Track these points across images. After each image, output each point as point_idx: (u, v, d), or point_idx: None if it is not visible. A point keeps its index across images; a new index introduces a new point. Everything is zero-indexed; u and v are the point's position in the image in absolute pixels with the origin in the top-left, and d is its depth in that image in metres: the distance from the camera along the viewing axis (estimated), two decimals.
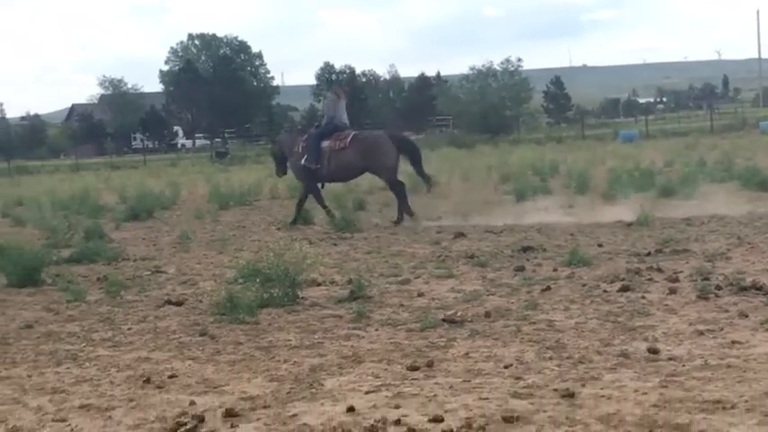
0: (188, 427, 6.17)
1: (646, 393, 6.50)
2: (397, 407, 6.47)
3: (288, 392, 7.02)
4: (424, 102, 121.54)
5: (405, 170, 21.16)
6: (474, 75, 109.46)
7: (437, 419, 6.10)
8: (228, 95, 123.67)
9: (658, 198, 20.27)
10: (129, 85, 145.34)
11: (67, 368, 8.25)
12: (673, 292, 10.12)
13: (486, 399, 6.57)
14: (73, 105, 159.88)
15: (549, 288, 10.74)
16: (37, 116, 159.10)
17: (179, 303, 11.09)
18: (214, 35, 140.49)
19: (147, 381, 7.55)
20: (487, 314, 9.47)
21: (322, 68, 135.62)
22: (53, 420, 6.64)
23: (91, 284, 13.03)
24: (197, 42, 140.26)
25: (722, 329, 8.34)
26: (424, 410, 6.35)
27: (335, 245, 16.25)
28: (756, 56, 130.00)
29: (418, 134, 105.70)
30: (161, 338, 9.28)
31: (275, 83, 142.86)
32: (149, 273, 13.95)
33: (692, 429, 5.73)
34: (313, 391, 7.03)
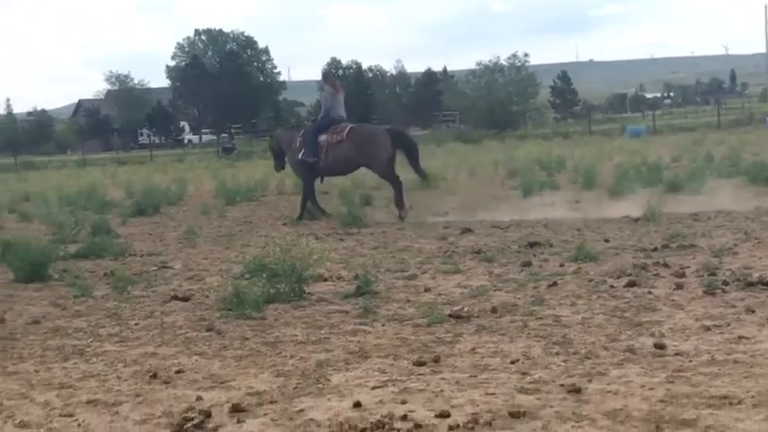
0: (195, 422, 6.18)
1: (652, 389, 6.49)
2: (404, 402, 6.47)
3: (294, 388, 7.02)
4: (430, 97, 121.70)
5: (403, 168, 21.11)
6: (481, 70, 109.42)
7: (443, 415, 6.09)
8: (235, 91, 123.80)
9: (665, 193, 20.24)
10: (136, 81, 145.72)
11: (75, 363, 8.26)
12: (679, 287, 10.11)
13: (493, 394, 6.57)
14: (79, 101, 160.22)
15: (555, 283, 10.74)
16: (44, 112, 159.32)
17: (186, 299, 11.10)
18: (221, 30, 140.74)
19: (154, 376, 7.56)
20: (494, 309, 9.46)
21: (328, 63, 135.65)
22: (60, 415, 6.65)
23: (98, 280, 13.04)
24: (203, 38, 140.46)
25: (729, 325, 8.32)
26: (431, 406, 6.35)
27: (342, 240, 16.25)
28: (764, 51, 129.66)
29: (424, 129, 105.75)
30: (168, 334, 9.29)
31: (282, 78, 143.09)
32: (156, 268, 13.96)
33: (699, 425, 5.72)
34: (319, 386, 7.03)
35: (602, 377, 6.87)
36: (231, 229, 19.42)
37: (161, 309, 10.63)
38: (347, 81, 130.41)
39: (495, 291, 10.62)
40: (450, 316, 9.20)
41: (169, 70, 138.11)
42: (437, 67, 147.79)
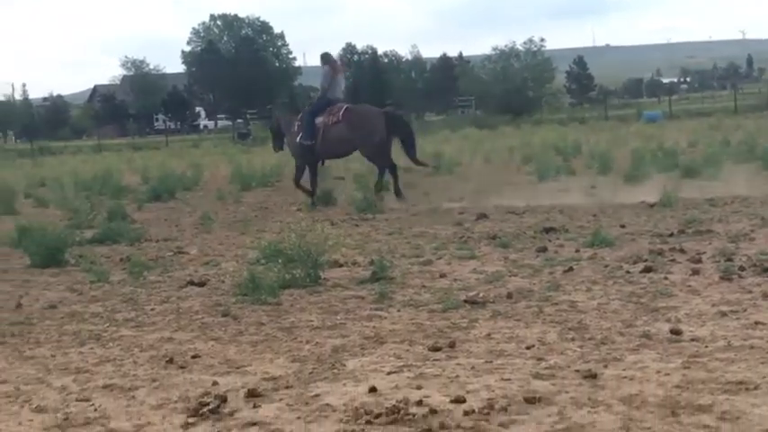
0: (211, 407, 6.19)
1: (668, 374, 6.48)
2: (419, 387, 6.47)
3: (310, 373, 7.03)
4: (446, 82, 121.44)
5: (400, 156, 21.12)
6: (496, 55, 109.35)
7: (459, 400, 6.09)
8: (250, 76, 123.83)
9: (681, 179, 20.19)
10: (152, 66, 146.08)
11: (91, 348, 8.29)
12: (696, 272, 10.09)
13: (508, 380, 6.56)
14: (95, 86, 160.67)
15: (571, 269, 10.72)
16: (60, 97, 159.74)
17: (201, 284, 11.12)
18: (236, 16, 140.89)
19: (170, 361, 7.57)
20: (509, 295, 9.46)
21: (344, 49, 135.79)
22: (77, 400, 6.66)
23: (114, 265, 13.07)
24: (219, 23, 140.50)
25: (745, 310, 8.30)
26: (446, 391, 6.35)
27: (357, 226, 16.25)
28: None
29: (440, 115, 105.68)
30: (184, 319, 9.31)
31: (297, 63, 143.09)
32: (172, 253, 13.98)
33: (715, 410, 5.71)
34: (335, 371, 7.04)
35: (617, 363, 6.86)
36: (247, 214, 19.44)
37: (177, 294, 10.65)
38: (363, 67, 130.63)
39: (510, 276, 10.61)
40: (465, 301, 9.20)
41: (185, 56, 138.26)
42: (453, 53, 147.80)
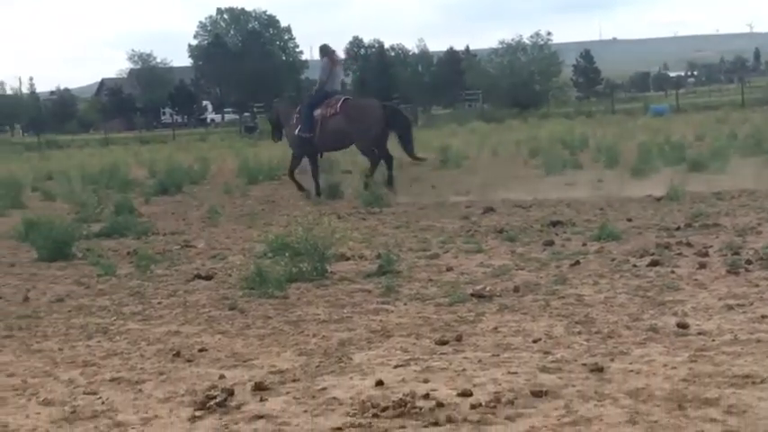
0: (218, 400, 6.20)
1: (675, 368, 6.48)
2: (426, 381, 6.48)
3: (317, 366, 7.03)
4: (452, 76, 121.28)
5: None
6: (503, 49, 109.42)
7: (466, 393, 6.10)
8: (257, 70, 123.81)
9: (688, 172, 20.17)
10: (159, 60, 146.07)
11: (98, 341, 8.30)
12: (702, 266, 10.08)
13: (515, 373, 6.57)
14: (102, 80, 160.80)
15: (578, 263, 10.72)
16: (67, 90, 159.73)
17: (208, 278, 11.13)
18: (243, 9, 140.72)
19: (177, 354, 7.58)
20: (516, 289, 9.46)
21: (351, 42, 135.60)
22: (84, 393, 6.68)
23: (121, 258, 13.10)
24: (226, 16, 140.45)
25: (752, 304, 8.30)
26: (453, 384, 6.36)
27: (364, 219, 16.26)
28: None
29: (447, 109, 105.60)
30: (191, 312, 9.32)
31: (304, 57, 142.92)
32: (179, 247, 14.00)
33: (722, 404, 5.71)
34: (342, 365, 7.05)
35: (624, 356, 6.86)
36: (254, 208, 19.46)
37: (184, 287, 10.67)
38: (370, 60, 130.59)
39: (517, 270, 10.61)
40: (472, 295, 9.20)
41: (191, 49, 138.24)
42: (459, 46, 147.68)
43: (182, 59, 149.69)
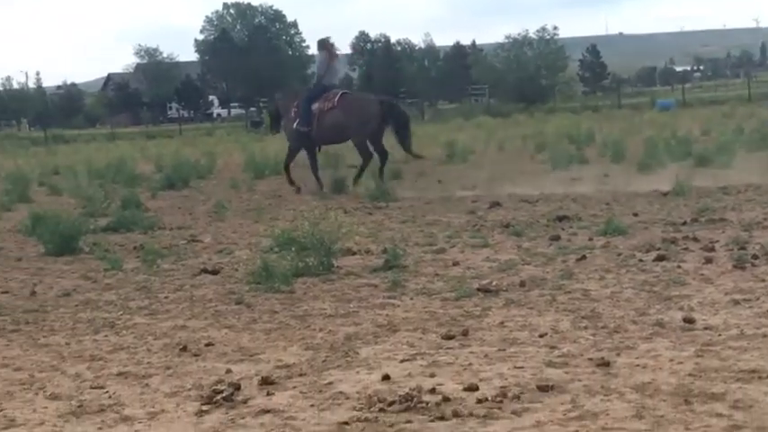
0: (224, 394, 6.21)
1: (681, 363, 6.48)
2: (432, 375, 6.49)
3: (323, 361, 7.04)
4: (459, 71, 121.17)
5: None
6: (509, 43, 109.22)
7: (472, 388, 6.10)
8: (263, 65, 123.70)
9: (695, 167, 20.14)
10: (165, 55, 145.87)
11: (105, 336, 8.32)
12: (709, 261, 10.08)
13: (521, 368, 6.57)
14: (109, 74, 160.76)
15: (584, 257, 10.72)
16: (73, 85, 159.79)
17: (215, 272, 11.14)
18: (249, 4, 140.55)
19: (184, 349, 7.60)
20: (522, 283, 9.46)
21: (357, 37, 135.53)
22: (91, 387, 6.69)
23: (127, 253, 13.11)
24: (232, 11, 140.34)
25: (758, 299, 8.29)
26: (459, 379, 6.36)
27: (370, 214, 16.27)
28: None
29: (453, 103, 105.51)
30: (197, 307, 9.33)
31: (310, 52, 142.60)
32: (185, 241, 14.01)
33: (728, 399, 5.72)
34: (348, 359, 7.06)
35: (630, 351, 6.86)
36: (260, 202, 19.47)
37: (190, 282, 10.68)
38: (376, 55, 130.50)
39: (523, 265, 10.61)
40: (478, 290, 9.21)
41: (198, 44, 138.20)
42: (466, 41, 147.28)
43: (188, 54, 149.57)
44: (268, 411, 5.95)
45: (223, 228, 15.56)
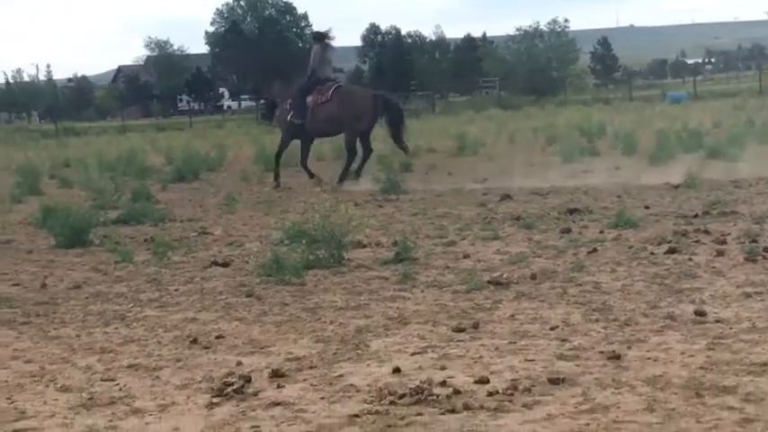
0: (235, 387, 6.21)
1: (692, 356, 6.47)
2: (443, 368, 6.48)
3: (334, 353, 7.04)
4: (470, 63, 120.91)
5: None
6: (520, 36, 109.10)
7: (483, 381, 6.10)
8: (274, 57, 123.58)
9: (706, 159, 20.10)
10: (175, 47, 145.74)
11: (116, 328, 8.32)
12: (720, 254, 10.06)
13: (532, 360, 6.56)
14: (119, 67, 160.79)
15: (595, 250, 10.70)
16: (84, 78, 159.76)
17: (225, 264, 11.15)
18: None
19: (195, 341, 7.60)
20: (533, 276, 9.45)
21: (367, 29, 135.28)
22: (102, 380, 6.70)
23: (138, 245, 13.11)
24: (242, 4, 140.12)
25: None
26: (470, 372, 6.36)
27: (381, 207, 16.26)
28: None
29: (464, 96, 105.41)
30: (208, 299, 9.34)
31: None
32: (196, 234, 14.02)
33: (739, 392, 5.70)
34: (359, 352, 7.05)
35: (641, 344, 6.85)
36: (270, 195, 19.48)
37: (201, 274, 10.68)
38: (386, 47, 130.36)
39: (534, 257, 10.60)
40: (489, 282, 9.20)
41: (208, 36, 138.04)
42: (477, 33, 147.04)
43: (198, 46, 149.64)
44: (278, 404, 5.95)
45: (233, 220, 15.56)
